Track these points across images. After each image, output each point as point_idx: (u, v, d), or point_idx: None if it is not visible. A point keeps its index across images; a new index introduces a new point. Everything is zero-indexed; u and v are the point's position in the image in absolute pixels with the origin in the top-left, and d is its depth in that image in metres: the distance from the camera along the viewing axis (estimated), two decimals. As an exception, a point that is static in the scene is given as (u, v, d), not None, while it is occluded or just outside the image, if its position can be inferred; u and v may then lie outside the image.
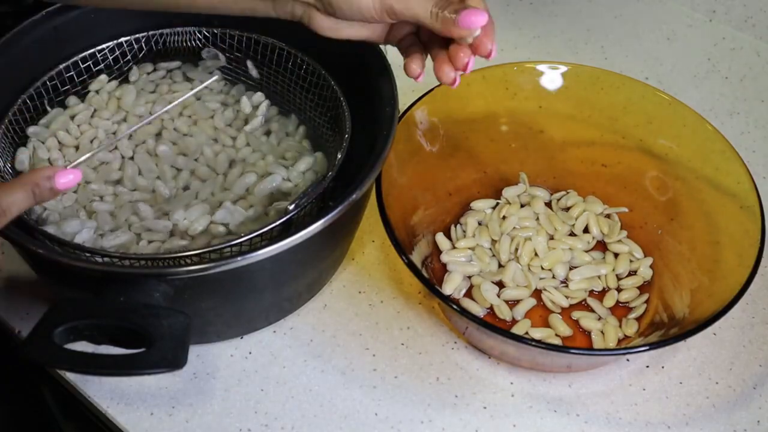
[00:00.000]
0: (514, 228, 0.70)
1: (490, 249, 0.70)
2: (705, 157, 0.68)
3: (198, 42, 0.73)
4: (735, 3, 0.92)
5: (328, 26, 0.57)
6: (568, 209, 0.73)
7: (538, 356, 0.62)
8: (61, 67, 0.69)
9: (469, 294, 0.67)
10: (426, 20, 0.53)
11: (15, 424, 0.78)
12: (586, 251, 0.70)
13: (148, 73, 0.74)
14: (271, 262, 0.55)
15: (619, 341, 0.65)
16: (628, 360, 0.65)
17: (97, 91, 0.72)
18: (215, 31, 0.72)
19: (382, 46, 0.67)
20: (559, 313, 0.67)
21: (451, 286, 0.66)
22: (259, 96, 0.73)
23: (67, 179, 0.49)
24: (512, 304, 0.67)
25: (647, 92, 0.71)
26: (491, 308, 0.66)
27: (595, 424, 0.62)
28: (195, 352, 0.64)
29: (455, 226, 0.71)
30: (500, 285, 0.68)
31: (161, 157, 0.68)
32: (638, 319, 0.66)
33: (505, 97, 0.72)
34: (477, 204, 0.72)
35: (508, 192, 0.73)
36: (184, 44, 0.73)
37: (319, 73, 0.69)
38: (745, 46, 0.92)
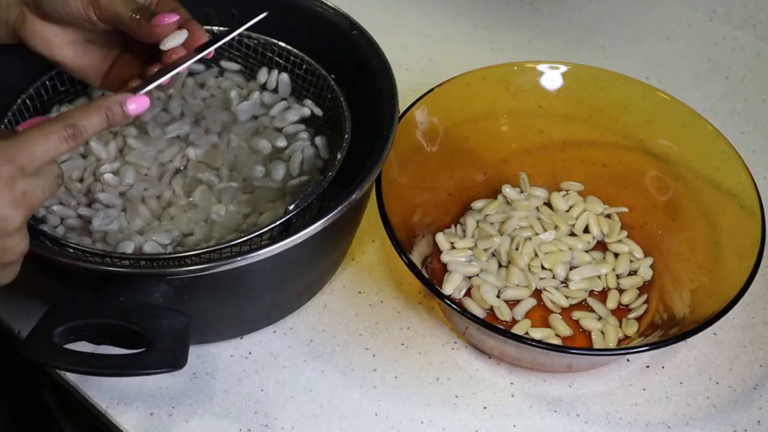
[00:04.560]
0: (514, 228, 0.70)
1: (490, 249, 0.70)
2: (705, 157, 0.68)
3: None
4: (735, 3, 0.92)
5: (41, 35, 0.57)
6: (568, 209, 0.73)
7: (539, 356, 0.62)
8: (61, 67, 0.69)
9: (469, 294, 0.67)
10: (125, 18, 0.55)
11: (15, 424, 0.78)
12: (586, 251, 0.70)
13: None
14: (271, 262, 0.55)
15: (620, 341, 0.65)
16: (628, 360, 0.65)
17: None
18: (215, 31, 0.72)
19: (381, 46, 0.67)
20: (559, 313, 0.67)
21: (451, 286, 0.66)
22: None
23: (137, 105, 0.51)
24: (512, 304, 0.67)
25: (647, 92, 0.71)
26: (491, 308, 0.66)
27: (595, 424, 0.62)
28: (195, 352, 0.64)
29: (455, 226, 0.71)
30: (500, 285, 0.68)
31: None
32: (638, 319, 0.66)
33: (505, 97, 0.72)
34: (477, 204, 0.72)
35: (508, 192, 0.73)
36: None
37: (319, 73, 0.69)
38: (746, 46, 0.92)
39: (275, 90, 0.72)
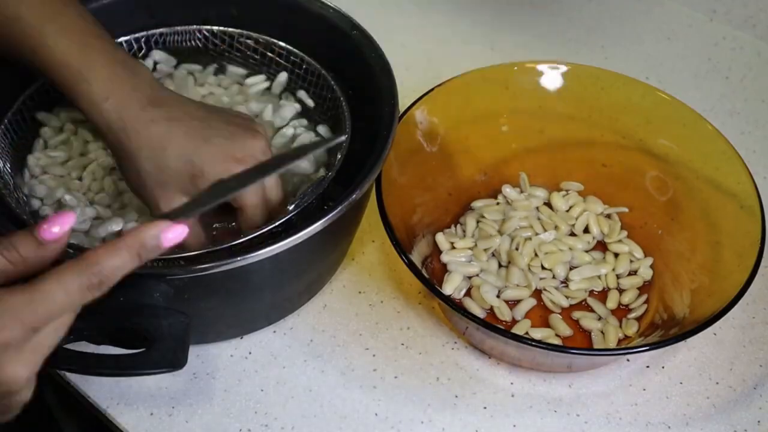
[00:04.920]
0: (514, 228, 0.70)
1: (490, 249, 0.70)
2: (705, 157, 0.68)
3: (198, 41, 0.73)
4: (735, 3, 0.92)
5: None
6: (568, 209, 0.73)
7: (539, 356, 0.62)
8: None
9: (469, 294, 0.67)
10: None
11: (15, 424, 0.78)
12: (586, 251, 0.70)
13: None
14: (271, 262, 0.55)
15: (620, 341, 0.65)
16: (628, 360, 0.65)
17: None
18: (215, 31, 0.72)
19: (381, 46, 0.67)
20: (559, 314, 0.67)
21: (451, 286, 0.66)
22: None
23: (175, 234, 0.44)
24: (512, 304, 0.67)
25: (647, 92, 0.71)
26: (491, 308, 0.66)
27: (595, 424, 0.62)
28: (195, 352, 0.64)
29: (455, 226, 0.71)
30: (500, 285, 0.67)
31: None
32: (638, 319, 0.66)
33: (505, 97, 0.72)
34: (477, 204, 0.72)
35: (508, 192, 0.73)
36: (184, 44, 0.73)
37: (319, 73, 0.69)
38: (746, 46, 0.92)
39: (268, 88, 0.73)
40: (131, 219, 0.63)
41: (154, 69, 0.74)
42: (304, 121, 0.71)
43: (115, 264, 0.42)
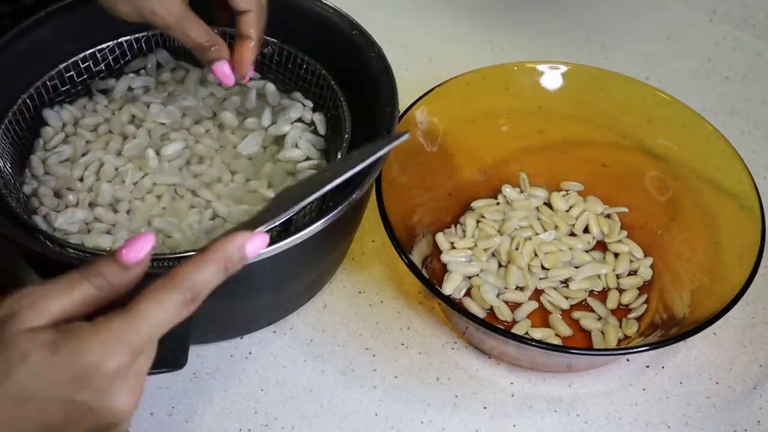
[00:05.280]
0: (514, 228, 0.70)
1: (490, 249, 0.70)
2: (705, 157, 0.68)
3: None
4: (735, 3, 0.92)
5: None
6: (568, 209, 0.73)
7: (539, 356, 0.62)
8: (61, 66, 0.68)
9: (469, 294, 0.67)
10: None
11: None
12: (586, 251, 0.70)
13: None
14: (271, 262, 0.55)
15: (619, 341, 0.65)
16: (628, 360, 0.65)
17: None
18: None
19: (381, 46, 0.67)
20: (559, 314, 0.67)
21: (451, 286, 0.66)
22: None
23: (255, 245, 0.44)
24: (513, 305, 0.67)
25: (647, 92, 0.71)
26: (491, 308, 0.66)
27: (595, 424, 0.62)
28: (195, 352, 0.64)
29: (455, 226, 0.71)
30: (500, 285, 0.68)
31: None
32: (638, 319, 0.66)
33: (505, 97, 0.72)
34: (477, 204, 0.72)
35: (508, 192, 0.73)
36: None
37: (320, 72, 0.69)
38: (746, 46, 0.92)
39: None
40: (133, 227, 0.63)
41: (158, 68, 0.74)
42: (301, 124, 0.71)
43: (205, 278, 0.42)
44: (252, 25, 0.61)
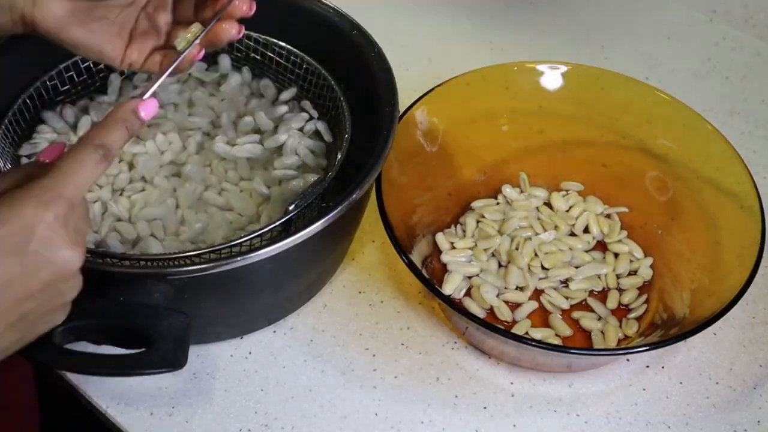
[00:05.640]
0: (514, 228, 0.70)
1: (490, 249, 0.70)
2: (705, 157, 0.68)
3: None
4: (735, 3, 0.92)
5: (54, 15, 0.55)
6: (568, 209, 0.73)
7: (539, 356, 0.62)
8: (61, 67, 0.69)
9: (469, 294, 0.67)
10: None
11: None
12: (586, 251, 0.70)
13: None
14: (271, 262, 0.55)
15: (619, 341, 0.65)
16: (628, 360, 0.65)
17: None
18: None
19: (381, 46, 0.67)
20: (559, 313, 0.67)
21: (451, 286, 0.66)
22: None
23: (147, 110, 0.50)
24: (512, 304, 0.67)
25: (647, 92, 0.71)
26: (491, 308, 0.66)
27: (595, 424, 0.62)
28: (195, 352, 0.64)
29: (455, 226, 0.71)
30: (500, 285, 0.68)
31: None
32: (638, 319, 0.66)
33: (505, 97, 0.72)
34: (477, 204, 0.72)
35: (508, 192, 0.73)
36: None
37: (320, 73, 0.69)
38: (746, 46, 0.92)
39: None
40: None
41: None
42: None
43: (112, 138, 0.47)
44: None
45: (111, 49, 0.57)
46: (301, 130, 0.70)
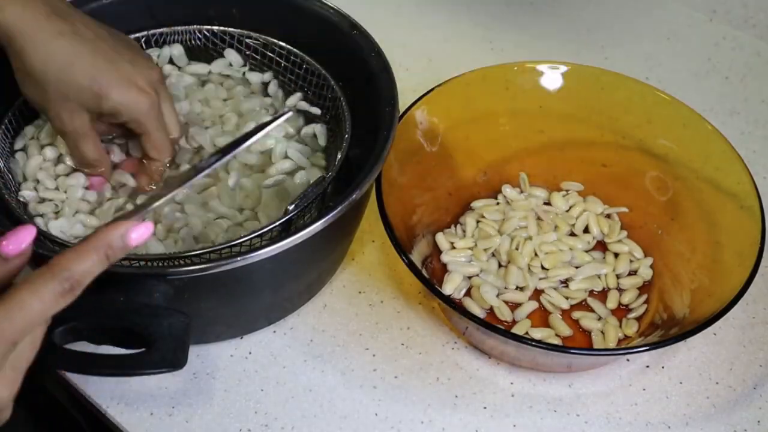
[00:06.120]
0: (514, 228, 0.70)
1: (490, 249, 0.70)
2: (705, 157, 0.68)
3: (198, 41, 0.73)
4: (735, 3, 0.92)
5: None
6: (568, 209, 0.73)
7: (538, 356, 0.62)
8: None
9: (469, 294, 0.67)
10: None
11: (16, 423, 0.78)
12: (586, 251, 0.70)
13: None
14: (271, 262, 0.55)
15: (619, 341, 0.65)
16: (628, 360, 0.65)
17: None
18: (215, 31, 0.72)
19: (381, 46, 0.67)
20: (559, 313, 0.67)
21: (451, 287, 0.66)
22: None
23: (140, 233, 0.45)
24: (512, 304, 0.67)
25: (647, 92, 0.71)
26: (491, 308, 0.66)
27: (595, 424, 0.62)
28: (195, 352, 0.64)
29: (455, 226, 0.71)
30: (500, 285, 0.68)
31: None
32: (638, 319, 0.66)
33: (505, 97, 0.72)
34: (477, 204, 0.72)
35: (508, 192, 0.73)
36: (185, 44, 0.73)
37: (320, 73, 0.69)
38: (746, 46, 0.92)
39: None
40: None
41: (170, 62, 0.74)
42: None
43: (84, 268, 0.42)
44: (159, 171, 0.64)
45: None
46: (298, 133, 0.70)
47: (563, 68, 0.72)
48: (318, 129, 0.69)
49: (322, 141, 0.69)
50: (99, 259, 0.43)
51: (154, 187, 0.64)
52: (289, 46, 0.71)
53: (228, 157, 0.58)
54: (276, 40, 0.71)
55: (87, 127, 0.61)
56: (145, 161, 0.64)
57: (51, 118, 0.61)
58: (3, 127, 0.65)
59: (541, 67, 0.72)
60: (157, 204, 0.54)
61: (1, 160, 0.64)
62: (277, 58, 0.72)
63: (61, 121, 0.60)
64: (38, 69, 0.58)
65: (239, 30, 0.72)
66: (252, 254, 0.54)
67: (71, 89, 0.58)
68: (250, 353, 0.65)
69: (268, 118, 0.65)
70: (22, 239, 0.43)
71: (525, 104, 0.73)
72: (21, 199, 0.64)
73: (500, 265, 0.69)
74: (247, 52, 0.73)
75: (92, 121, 0.61)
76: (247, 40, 0.72)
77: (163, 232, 0.63)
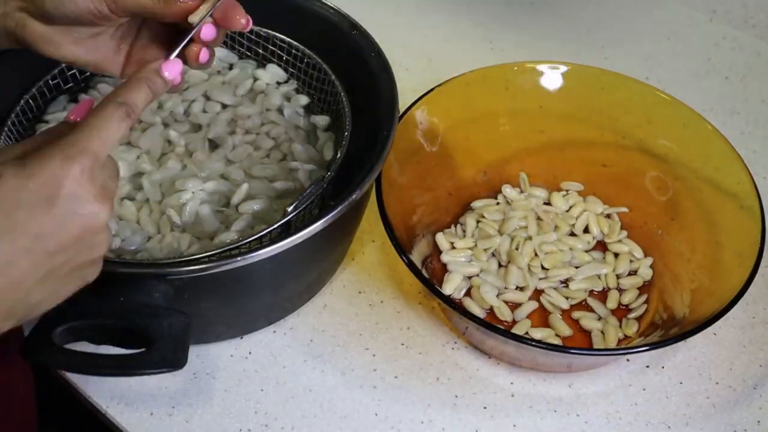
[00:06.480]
0: (514, 228, 0.70)
1: (490, 249, 0.70)
2: (705, 157, 0.68)
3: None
4: (735, 3, 0.92)
5: (46, 38, 0.54)
6: (568, 209, 0.73)
7: (539, 356, 0.62)
8: (63, 65, 0.68)
9: (469, 294, 0.67)
10: (147, 5, 0.52)
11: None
12: (586, 251, 0.70)
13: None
14: (271, 262, 0.55)
15: (619, 341, 0.65)
16: (628, 360, 0.65)
17: None
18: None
19: (381, 46, 0.67)
20: (559, 313, 0.67)
21: (451, 286, 0.66)
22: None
23: (172, 70, 0.50)
24: (512, 304, 0.67)
25: (647, 92, 0.71)
26: (491, 308, 0.66)
27: (595, 424, 0.62)
28: (195, 352, 0.64)
29: (455, 226, 0.71)
30: (500, 285, 0.68)
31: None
32: (638, 319, 0.66)
33: (505, 97, 0.72)
34: (477, 204, 0.72)
35: (508, 192, 0.73)
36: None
37: (320, 67, 0.69)
38: (745, 46, 0.92)
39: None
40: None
41: None
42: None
43: (136, 96, 0.47)
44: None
45: (109, 64, 0.57)
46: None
47: (563, 68, 0.72)
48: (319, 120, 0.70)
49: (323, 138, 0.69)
50: (144, 90, 0.48)
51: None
52: (290, 39, 0.70)
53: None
54: (277, 34, 0.71)
55: None
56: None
57: (92, 19, 0.54)
58: (6, 128, 0.65)
59: (541, 67, 0.72)
60: (184, 42, 0.52)
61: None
62: (279, 52, 0.71)
63: (101, 6, 0.53)
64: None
65: None
66: (252, 254, 0.54)
67: None
68: (250, 353, 0.65)
69: None
70: (81, 109, 0.49)
71: (525, 104, 0.73)
72: None
73: (500, 265, 0.69)
74: (249, 45, 0.72)
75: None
76: (249, 33, 0.72)
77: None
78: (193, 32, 0.52)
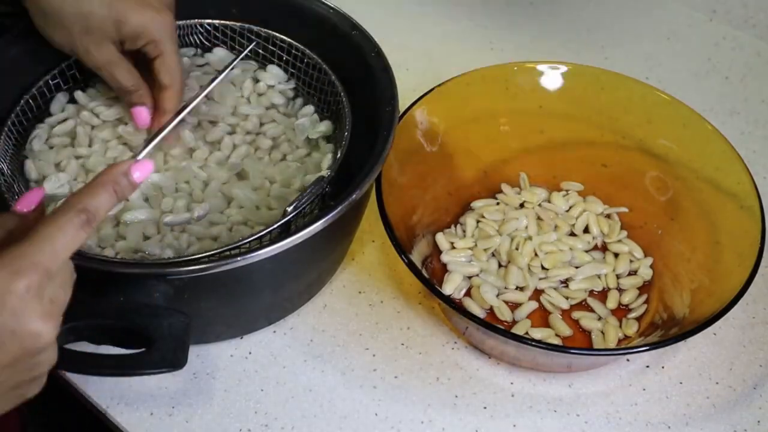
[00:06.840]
0: (515, 228, 0.70)
1: (490, 249, 0.70)
2: (705, 157, 0.68)
3: (200, 36, 0.73)
4: (735, 3, 0.92)
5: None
6: (568, 209, 0.73)
7: (539, 356, 0.62)
8: (63, 65, 0.68)
9: (469, 294, 0.67)
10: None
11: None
12: (586, 251, 0.70)
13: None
14: (271, 262, 0.55)
15: (619, 341, 0.65)
16: (628, 360, 0.65)
17: None
18: (216, 25, 0.72)
19: (381, 46, 0.67)
20: (559, 313, 0.67)
21: (451, 286, 0.66)
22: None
23: (142, 171, 0.49)
24: (512, 304, 0.67)
25: (647, 92, 0.71)
26: (491, 308, 0.66)
27: (595, 424, 0.62)
28: (195, 352, 0.64)
29: (455, 226, 0.71)
30: (500, 285, 0.68)
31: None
32: (638, 319, 0.66)
33: (505, 97, 0.72)
34: (477, 204, 0.72)
35: (508, 192, 0.73)
36: (186, 38, 0.73)
37: (321, 67, 0.69)
38: (746, 46, 0.92)
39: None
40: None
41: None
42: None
43: (98, 202, 0.45)
44: (172, 100, 0.65)
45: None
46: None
47: (563, 68, 0.72)
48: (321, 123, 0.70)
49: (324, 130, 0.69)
50: (108, 194, 0.46)
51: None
52: (290, 39, 0.70)
53: (207, 90, 0.65)
54: (276, 33, 0.71)
55: (116, 55, 0.63)
56: (156, 92, 0.65)
57: (81, 55, 0.63)
58: (6, 129, 0.65)
59: (541, 67, 0.72)
60: (160, 136, 0.58)
61: (2, 163, 0.64)
62: (279, 52, 0.71)
63: (90, 54, 0.62)
64: (55, 5, 0.60)
65: (240, 23, 0.72)
66: (252, 254, 0.54)
67: (91, 20, 0.60)
68: (250, 353, 0.65)
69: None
70: (31, 200, 0.48)
71: (525, 104, 0.73)
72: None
73: (500, 265, 0.69)
74: (249, 46, 0.72)
75: (119, 50, 0.63)
76: (249, 34, 0.72)
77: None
78: (165, 132, 0.58)
